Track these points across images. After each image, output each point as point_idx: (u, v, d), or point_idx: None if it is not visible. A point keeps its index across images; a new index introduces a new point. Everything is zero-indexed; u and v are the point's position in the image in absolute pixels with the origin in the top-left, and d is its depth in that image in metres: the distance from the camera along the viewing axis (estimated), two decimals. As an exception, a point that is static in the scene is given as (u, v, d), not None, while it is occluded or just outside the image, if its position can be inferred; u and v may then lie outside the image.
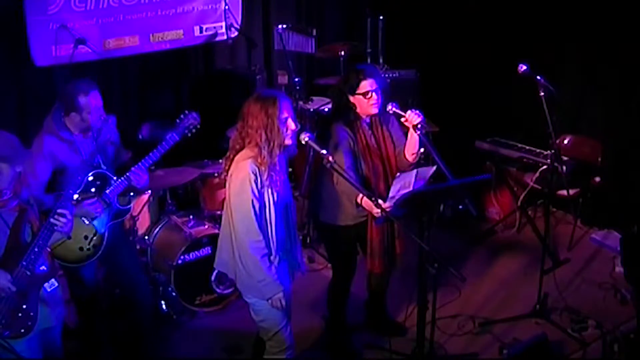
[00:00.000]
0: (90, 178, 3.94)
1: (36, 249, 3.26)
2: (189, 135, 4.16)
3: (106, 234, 4.06)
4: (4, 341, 3.20)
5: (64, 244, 3.89)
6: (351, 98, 4.07)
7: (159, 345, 4.63)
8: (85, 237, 4.01)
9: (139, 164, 4.02)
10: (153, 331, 4.58)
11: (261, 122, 3.50)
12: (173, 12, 6.08)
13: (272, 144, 3.51)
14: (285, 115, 3.55)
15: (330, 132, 4.08)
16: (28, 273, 3.25)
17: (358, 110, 4.09)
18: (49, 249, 3.79)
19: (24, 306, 3.27)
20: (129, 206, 4.17)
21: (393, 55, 6.76)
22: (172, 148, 4.12)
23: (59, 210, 3.26)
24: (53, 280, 3.40)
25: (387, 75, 6.02)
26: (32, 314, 3.28)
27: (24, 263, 3.24)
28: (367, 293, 4.69)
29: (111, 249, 4.12)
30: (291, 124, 3.58)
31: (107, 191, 3.99)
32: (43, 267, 3.35)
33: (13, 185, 3.26)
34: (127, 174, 4.00)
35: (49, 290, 3.38)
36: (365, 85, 4.03)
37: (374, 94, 4.03)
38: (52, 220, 3.26)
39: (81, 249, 4.01)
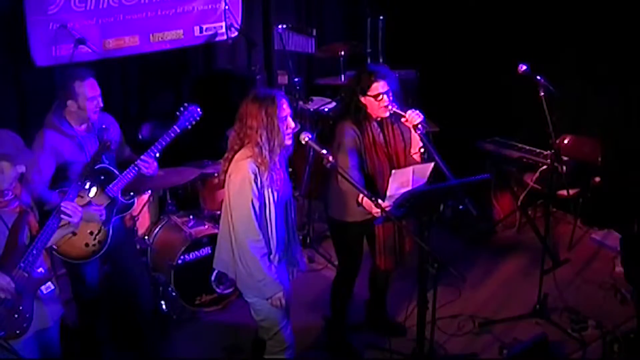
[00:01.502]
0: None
1: (34, 251, 3.27)
2: (189, 127, 4.14)
3: (111, 229, 4.06)
4: (4, 341, 3.20)
5: (69, 241, 3.90)
6: (362, 99, 4.06)
7: (159, 345, 4.63)
8: (91, 233, 4.00)
9: (148, 151, 4.02)
10: (153, 331, 4.58)
11: (261, 121, 3.49)
12: (173, 12, 6.08)
13: (272, 144, 3.51)
14: (284, 114, 3.55)
15: (338, 130, 4.08)
16: (25, 275, 3.25)
17: (369, 110, 4.08)
18: (55, 247, 3.82)
19: (20, 307, 3.26)
20: (132, 200, 4.17)
21: (393, 55, 6.76)
22: (172, 148, 4.12)
23: (64, 203, 3.33)
24: (49, 283, 3.40)
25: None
26: (27, 315, 3.28)
27: (22, 265, 3.24)
28: (370, 291, 4.70)
29: (114, 247, 4.12)
30: (290, 123, 3.58)
31: (111, 185, 3.99)
32: (41, 269, 3.35)
33: (14, 186, 3.27)
34: (136, 162, 4.00)
35: (45, 292, 3.38)
36: (377, 87, 4.01)
37: (385, 96, 4.01)
38: (61, 207, 3.31)
39: (87, 244, 4.00)
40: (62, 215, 3.34)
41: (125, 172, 4.01)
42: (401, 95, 4.17)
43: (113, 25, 5.79)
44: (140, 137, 5.28)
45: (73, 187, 3.54)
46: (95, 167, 3.89)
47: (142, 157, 4.02)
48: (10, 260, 3.24)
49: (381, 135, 4.13)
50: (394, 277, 4.60)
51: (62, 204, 3.37)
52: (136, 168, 4.01)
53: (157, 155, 4.07)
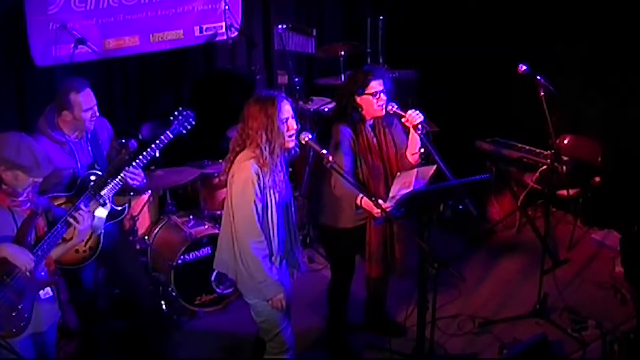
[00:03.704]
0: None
1: (40, 252, 3.30)
2: (184, 132, 4.11)
3: (102, 235, 4.04)
4: (3, 340, 3.21)
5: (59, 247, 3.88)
6: (358, 99, 4.06)
7: (158, 345, 4.63)
8: None
9: (133, 164, 4.00)
10: (153, 332, 4.58)
11: (261, 123, 3.50)
12: (173, 12, 6.07)
13: (272, 145, 3.51)
14: (286, 115, 3.55)
15: (332, 132, 4.08)
16: (28, 274, 3.27)
17: (363, 111, 4.08)
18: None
19: (20, 306, 3.28)
20: (124, 207, 4.15)
21: (393, 55, 6.76)
22: (172, 148, 4.11)
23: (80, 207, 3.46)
24: (49, 289, 3.41)
25: (386, 75, 6.02)
26: (26, 315, 3.30)
27: None
28: (366, 294, 4.69)
29: (110, 250, 4.11)
30: (292, 124, 3.58)
31: (102, 192, 3.97)
32: (43, 273, 3.37)
33: (28, 191, 3.28)
34: (122, 174, 3.97)
35: (43, 297, 3.39)
36: (375, 85, 4.03)
37: (382, 94, 4.03)
38: (73, 213, 3.40)
39: (77, 250, 3.96)
40: (69, 219, 3.37)
41: (113, 182, 3.97)
42: (400, 96, 4.18)
43: (113, 25, 5.79)
44: (140, 137, 5.28)
45: (85, 197, 3.70)
46: (88, 174, 3.91)
47: (127, 169, 3.97)
48: None
49: (374, 138, 4.13)
50: (394, 277, 4.58)
51: (74, 211, 3.42)
52: (121, 182, 3.98)
53: (154, 154, 4.04)
